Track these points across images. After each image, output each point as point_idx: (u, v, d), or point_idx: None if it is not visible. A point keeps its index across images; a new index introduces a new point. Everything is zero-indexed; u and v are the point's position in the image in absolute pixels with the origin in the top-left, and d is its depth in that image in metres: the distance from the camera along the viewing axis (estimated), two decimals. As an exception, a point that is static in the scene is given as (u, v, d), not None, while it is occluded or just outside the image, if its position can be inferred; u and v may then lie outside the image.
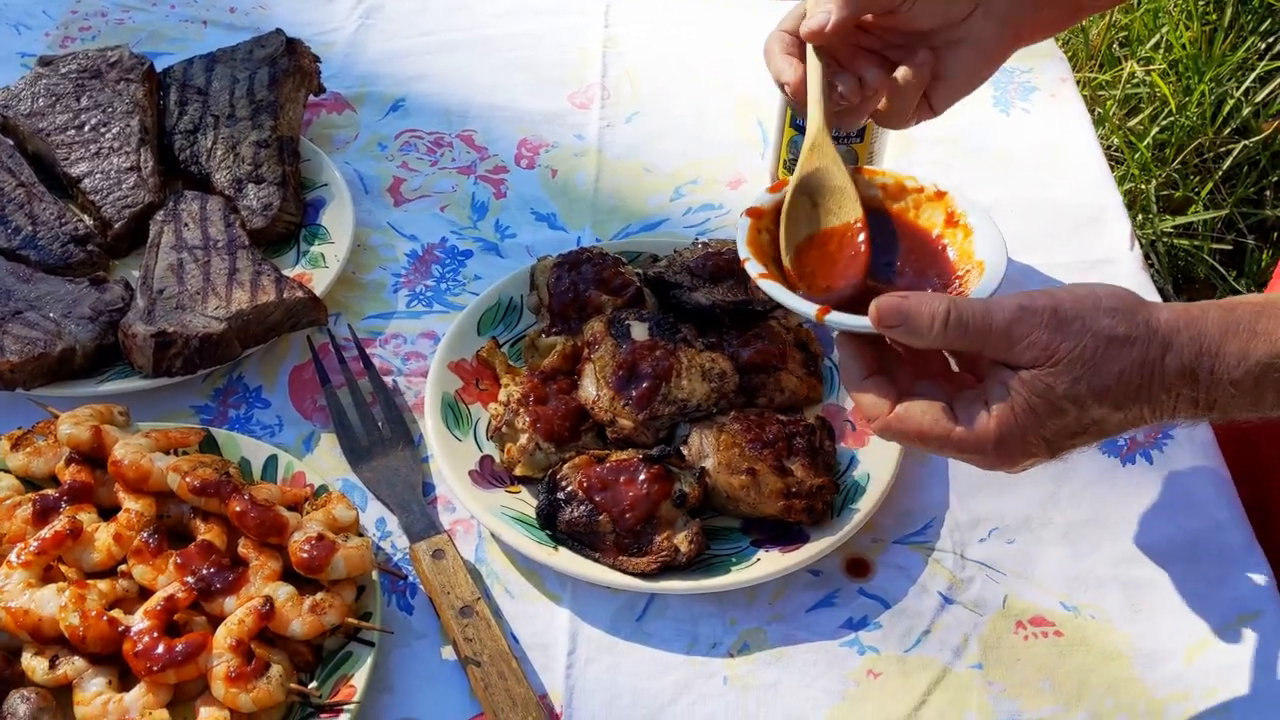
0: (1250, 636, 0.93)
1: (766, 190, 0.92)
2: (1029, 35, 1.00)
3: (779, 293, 0.83)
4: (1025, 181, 1.32)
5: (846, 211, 0.88)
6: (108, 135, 1.20)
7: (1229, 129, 2.47)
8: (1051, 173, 1.33)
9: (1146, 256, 2.31)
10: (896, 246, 0.90)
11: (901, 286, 0.86)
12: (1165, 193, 2.39)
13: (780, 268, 0.88)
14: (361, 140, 1.33)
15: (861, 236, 0.87)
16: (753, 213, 0.90)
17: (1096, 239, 1.26)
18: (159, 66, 1.31)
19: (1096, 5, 1.10)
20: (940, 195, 0.90)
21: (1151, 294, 1.19)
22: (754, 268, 0.85)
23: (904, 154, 1.32)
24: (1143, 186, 2.36)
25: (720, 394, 1.01)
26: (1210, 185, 2.37)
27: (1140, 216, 2.33)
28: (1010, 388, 0.76)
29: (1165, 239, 2.31)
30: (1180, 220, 2.34)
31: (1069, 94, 1.43)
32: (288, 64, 1.27)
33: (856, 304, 0.81)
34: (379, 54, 1.44)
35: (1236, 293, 2.17)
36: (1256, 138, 2.41)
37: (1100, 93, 2.48)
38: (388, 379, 1.09)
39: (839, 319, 0.80)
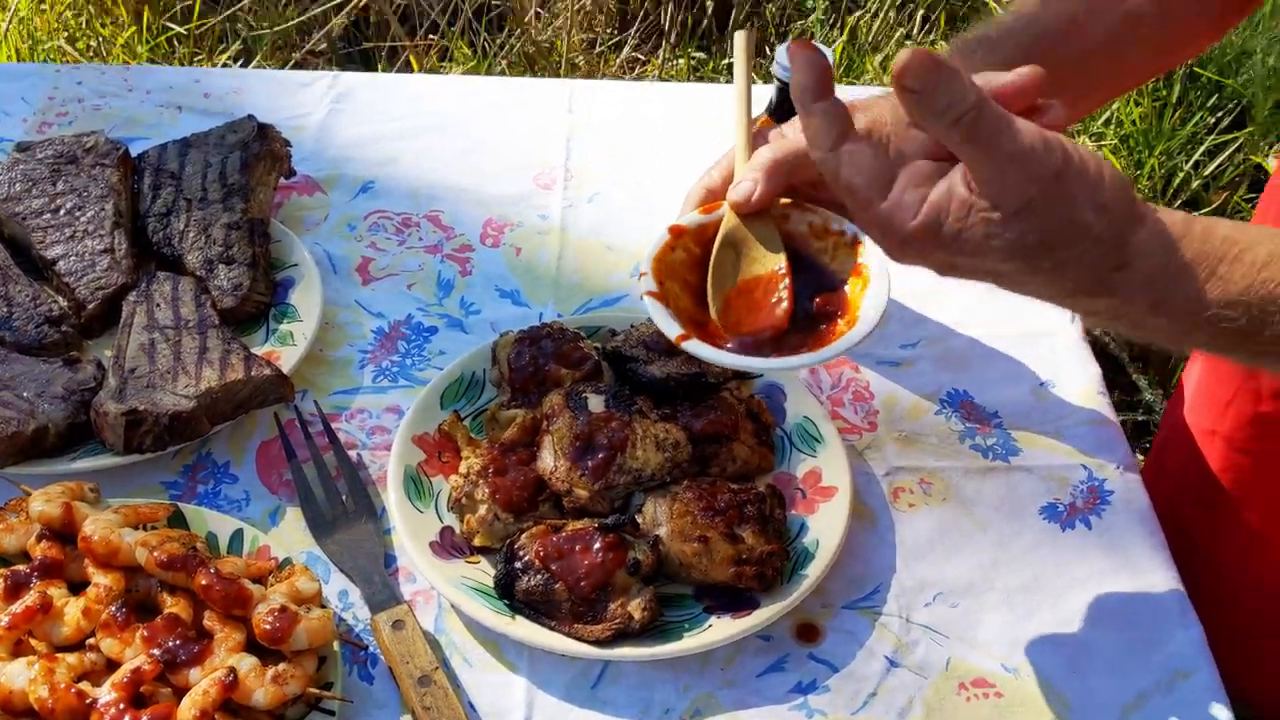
0: (1183, 695, 0.97)
1: (695, 209, 0.96)
2: None
3: (655, 311, 0.87)
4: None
5: (770, 260, 0.91)
6: (82, 219, 1.24)
7: (1180, 201, 2.55)
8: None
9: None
10: (811, 289, 0.92)
11: (812, 331, 0.89)
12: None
13: (690, 288, 0.92)
14: (331, 221, 1.37)
15: (785, 283, 0.90)
16: (674, 230, 0.93)
17: (1040, 313, 1.30)
18: (134, 151, 1.35)
19: None
20: (857, 243, 0.92)
21: (1088, 366, 1.24)
22: (648, 283, 0.89)
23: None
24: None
25: (674, 464, 1.05)
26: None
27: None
28: (958, 202, 0.74)
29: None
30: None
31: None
32: (259, 148, 1.32)
33: (777, 344, 0.85)
34: (349, 138, 1.49)
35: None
36: (1207, 209, 2.48)
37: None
38: (353, 453, 1.12)
39: (695, 348, 0.85)
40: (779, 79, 1.19)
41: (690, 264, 0.93)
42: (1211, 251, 0.76)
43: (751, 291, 0.92)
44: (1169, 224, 0.76)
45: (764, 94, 1.24)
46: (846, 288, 0.92)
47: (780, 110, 1.20)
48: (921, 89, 0.72)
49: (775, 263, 0.92)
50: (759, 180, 0.90)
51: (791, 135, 0.96)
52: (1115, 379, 2.31)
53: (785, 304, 0.90)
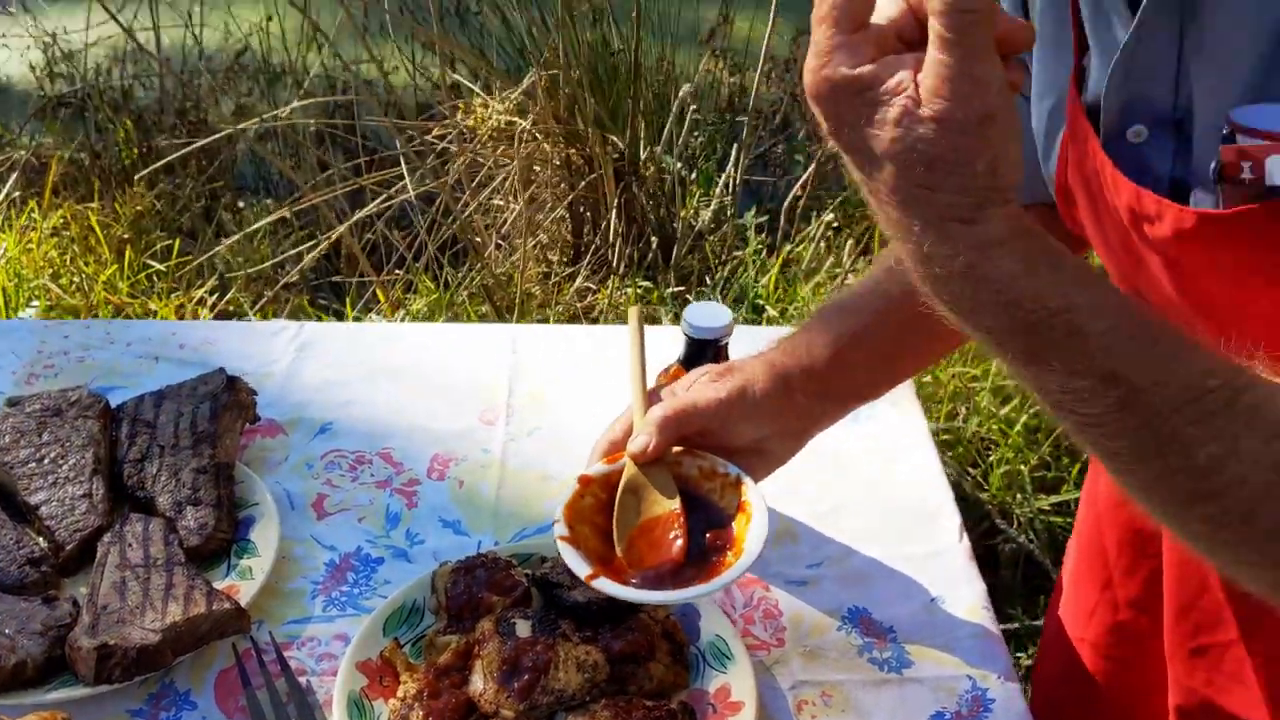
0: None
1: (600, 460, 1.11)
2: (831, 422, 1.22)
3: (567, 554, 1.03)
4: (867, 482, 1.52)
5: (666, 503, 1.07)
6: (65, 466, 1.38)
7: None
8: (891, 474, 1.53)
9: (1025, 534, 2.52)
10: (703, 526, 1.08)
11: (705, 564, 1.04)
12: (1039, 474, 2.62)
13: (598, 530, 1.06)
14: (291, 461, 1.51)
15: (680, 522, 1.05)
16: (583, 479, 1.09)
17: (930, 534, 1.45)
18: (115, 399, 1.50)
19: (875, 391, 1.28)
20: (739, 482, 1.08)
21: (975, 584, 1.37)
22: (560, 529, 1.04)
23: (764, 461, 1.52)
24: (1019, 468, 2.59)
25: (593, 683, 1.16)
26: (1079, 466, 2.60)
27: (1018, 495, 2.55)
28: (896, 80, 0.75)
29: (1042, 517, 2.53)
30: (1054, 499, 2.56)
31: (909, 402, 1.66)
32: (227, 399, 1.47)
33: (675, 577, 0.99)
34: (311, 382, 1.65)
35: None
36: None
37: (972, 384, 2.75)
38: (303, 679, 1.23)
39: (603, 585, 1.00)
40: (687, 335, 1.36)
41: (598, 508, 1.08)
42: (1049, 251, 0.78)
43: (651, 531, 1.07)
44: (1026, 224, 0.78)
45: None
46: (733, 524, 1.07)
47: (690, 362, 1.37)
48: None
49: (671, 505, 1.07)
50: (653, 434, 1.06)
51: (681, 393, 1.12)
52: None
53: (681, 541, 1.05)
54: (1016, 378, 0.82)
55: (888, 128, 0.75)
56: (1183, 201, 0.91)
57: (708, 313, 1.37)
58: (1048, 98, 1.05)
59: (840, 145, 0.79)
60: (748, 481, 1.08)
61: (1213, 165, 0.87)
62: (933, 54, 0.74)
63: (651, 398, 1.12)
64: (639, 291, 3.16)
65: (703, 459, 1.09)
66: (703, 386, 1.12)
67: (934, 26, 0.73)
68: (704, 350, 1.37)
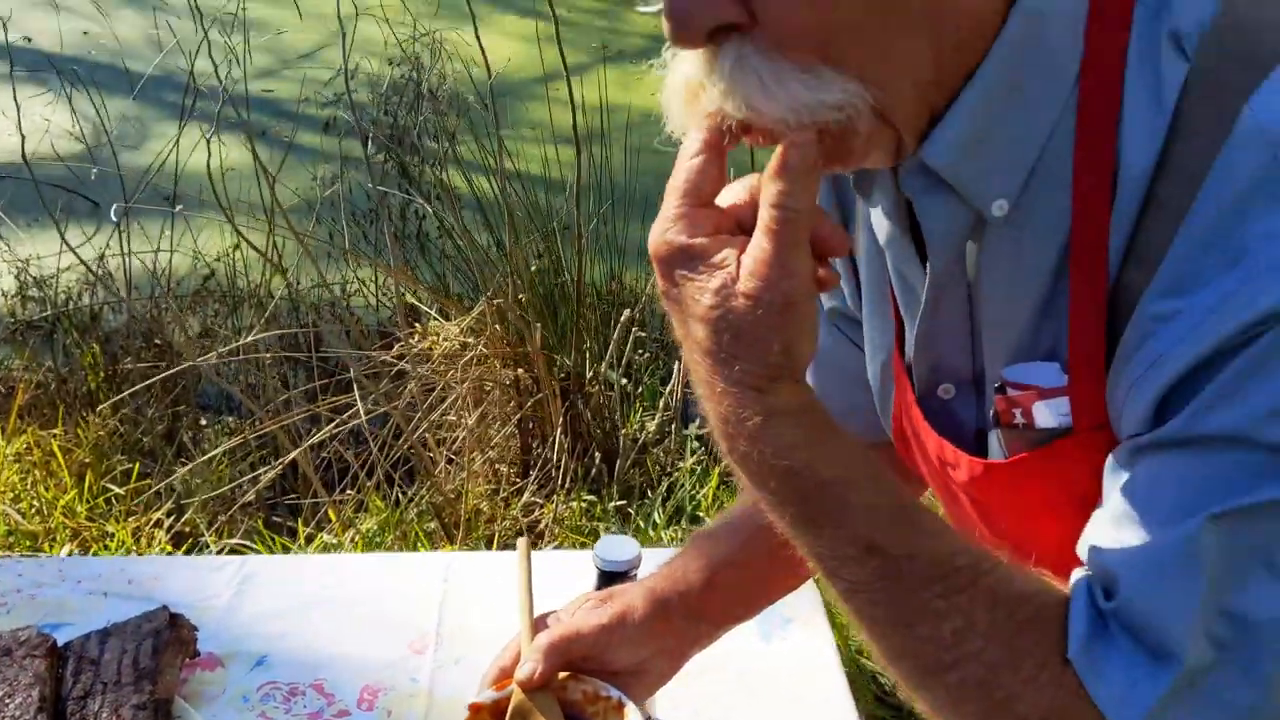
0: None
1: (489, 687, 1.21)
2: (709, 642, 1.31)
3: None
4: (780, 701, 1.61)
5: None
6: (11, 705, 1.46)
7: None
8: (802, 694, 1.63)
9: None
10: None
11: None
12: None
13: None
14: (228, 694, 1.60)
15: None
16: (473, 707, 1.18)
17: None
18: (64, 636, 1.59)
19: (769, 597, 1.40)
20: (620, 706, 1.18)
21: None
22: None
23: (676, 684, 1.61)
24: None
25: None
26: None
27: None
28: (723, 255, 0.85)
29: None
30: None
31: (820, 623, 1.77)
32: (169, 635, 1.56)
33: None
34: (251, 615, 1.74)
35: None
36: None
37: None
38: None
39: None
40: (598, 568, 1.48)
41: None
42: (829, 428, 0.89)
43: None
44: (811, 400, 0.90)
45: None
46: None
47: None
48: (798, 165, 0.86)
49: None
50: (539, 661, 1.17)
51: (567, 618, 1.23)
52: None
53: None
54: (795, 541, 0.92)
55: (708, 295, 0.86)
56: (985, 448, 1.06)
57: (617, 546, 1.49)
58: (879, 356, 1.20)
59: (668, 303, 0.90)
60: (630, 705, 1.18)
61: (991, 414, 1.03)
62: (757, 239, 0.86)
63: (539, 624, 1.23)
64: (584, 504, 3.27)
65: (586, 683, 1.19)
66: (585, 613, 1.23)
67: (762, 215, 0.86)
68: (614, 581, 1.48)
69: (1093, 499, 0.97)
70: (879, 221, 1.08)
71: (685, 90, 0.90)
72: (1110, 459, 0.94)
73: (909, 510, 0.91)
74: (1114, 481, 0.92)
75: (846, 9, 0.84)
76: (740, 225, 0.91)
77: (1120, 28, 0.90)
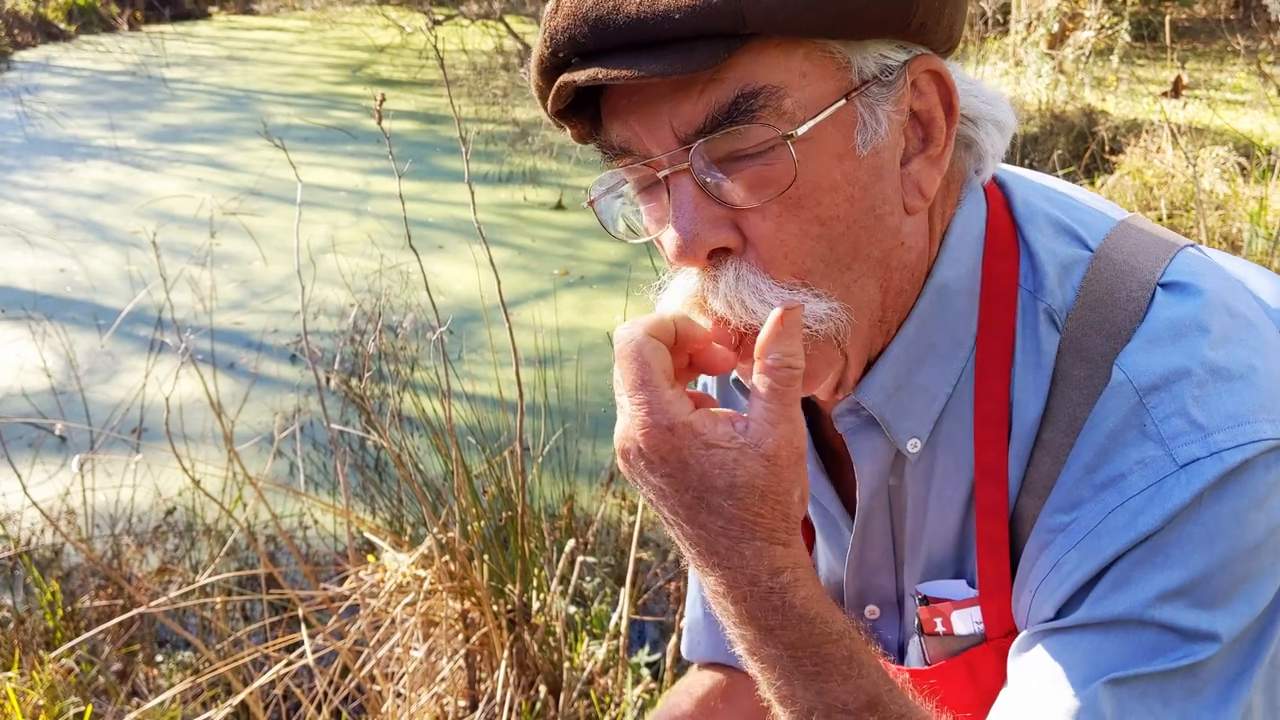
0: None
1: None
2: None
3: None
4: None
5: None
6: None
7: None
8: None
9: None
10: None
11: None
12: None
13: None
14: None
15: None
16: None
17: None
18: None
19: None
20: None
21: None
22: None
23: None
24: None
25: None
26: None
27: None
28: (715, 420, 0.94)
29: None
30: None
31: None
32: None
33: None
34: None
35: None
36: None
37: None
38: None
39: None
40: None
41: None
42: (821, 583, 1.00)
43: None
44: (800, 561, 0.98)
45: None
46: None
47: None
48: (785, 331, 0.97)
49: None
50: None
51: None
52: None
53: None
54: (785, 698, 1.02)
55: (727, 468, 0.93)
56: (904, 660, 1.22)
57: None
58: None
59: (657, 492, 0.96)
60: None
61: (914, 623, 1.18)
62: (761, 403, 0.95)
63: None
64: (529, 739, 3.32)
65: None
66: None
67: (764, 379, 0.96)
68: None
69: None
70: None
71: (692, 299, 1.07)
72: (1013, 647, 1.09)
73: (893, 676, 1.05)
74: (1018, 662, 1.07)
75: (822, 243, 1.04)
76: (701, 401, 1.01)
77: (1007, 303, 1.13)
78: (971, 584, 1.15)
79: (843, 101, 1.03)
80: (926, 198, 1.09)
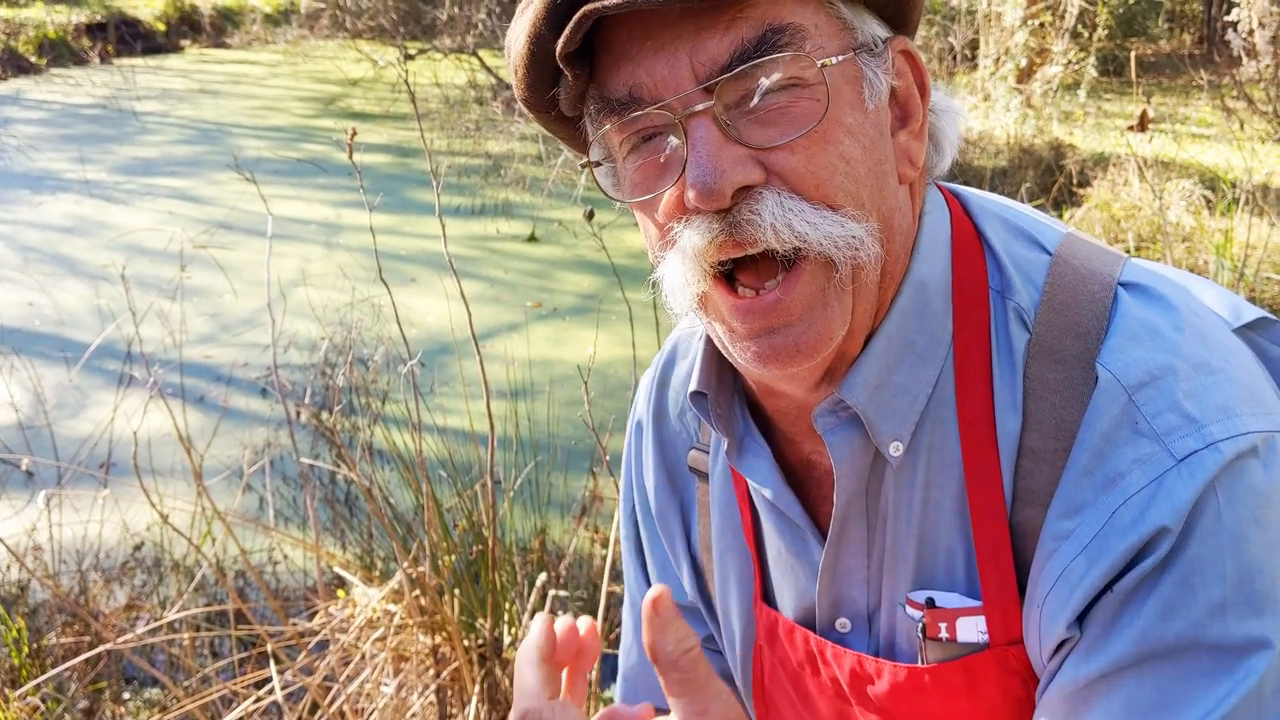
0: None
1: None
2: None
3: None
4: None
5: None
6: None
7: None
8: None
9: None
10: None
11: None
12: None
13: None
14: None
15: None
16: None
17: None
18: None
19: None
20: None
21: None
22: None
23: None
24: None
25: None
26: None
27: None
28: None
29: None
30: None
31: None
32: None
33: None
34: None
35: None
36: None
37: None
38: None
39: None
40: None
41: None
42: None
43: None
44: None
45: None
46: None
47: None
48: (663, 619, 0.93)
49: None
50: None
51: None
52: None
53: None
54: None
55: None
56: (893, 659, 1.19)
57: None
58: (739, 622, 1.33)
59: None
60: None
61: (920, 626, 1.16)
62: (682, 704, 0.94)
63: None
64: (501, 775, 3.29)
65: None
66: None
67: (670, 678, 0.94)
68: None
69: (999, 715, 1.12)
70: (758, 489, 1.24)
71: (713, 244, 1.05)
72: (1057, 700, 1.06)
73: None
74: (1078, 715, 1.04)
75: (850, 179, 1.05)
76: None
77: (980, 304, 1.14)
78: (966, 593, 1.14)
79: (852, 54, 1.07)
80: (916, 166, 1.13)
